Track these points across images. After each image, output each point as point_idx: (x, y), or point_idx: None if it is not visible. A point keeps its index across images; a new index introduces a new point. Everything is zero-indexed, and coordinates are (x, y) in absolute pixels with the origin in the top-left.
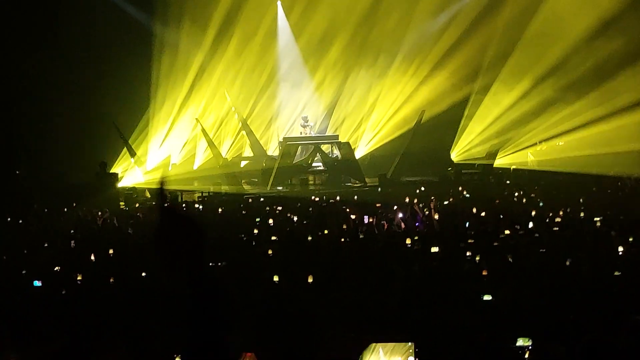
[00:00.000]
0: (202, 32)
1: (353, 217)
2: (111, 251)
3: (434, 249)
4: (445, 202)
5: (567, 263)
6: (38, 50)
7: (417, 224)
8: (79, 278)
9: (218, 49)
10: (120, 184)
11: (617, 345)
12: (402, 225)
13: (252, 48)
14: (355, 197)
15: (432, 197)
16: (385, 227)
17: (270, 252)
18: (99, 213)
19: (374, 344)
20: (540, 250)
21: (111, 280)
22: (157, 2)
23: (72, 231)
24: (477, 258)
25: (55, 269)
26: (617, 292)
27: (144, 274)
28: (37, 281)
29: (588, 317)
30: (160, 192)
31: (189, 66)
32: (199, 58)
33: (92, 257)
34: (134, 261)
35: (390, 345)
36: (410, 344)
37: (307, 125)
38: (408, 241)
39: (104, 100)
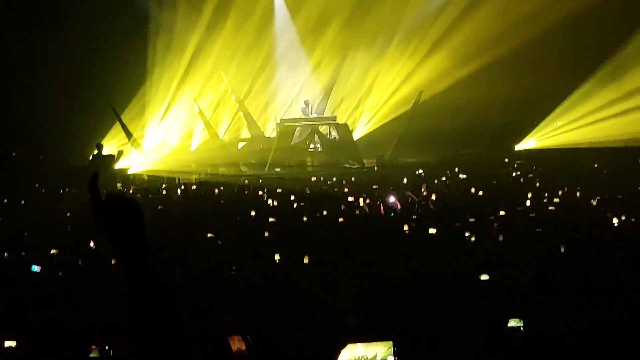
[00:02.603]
0: (199, 12)
1: (351, 199)
2: None
3: (432, 231)
4: (442, 180)
5: (564, 245)
6: (33, 32)
7: (395, 206)
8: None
9: (214, 29)
10: (116, 166)
11: (613, 326)
12: (398, 206)
13: (249, 28)
14: (353, 178)
15: (425, 180)
16: (382, 208)
17: (267, 234)
18: None
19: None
20: (537, 230)
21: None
22: None
23: (68, 214)
24: (473, 238)
25: (52, 252)
26: (612, 273)
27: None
28: (35, 266)
29: (584, 298)
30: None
31: (185, 47)
32: (195, 39)
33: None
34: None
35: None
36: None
37: (308, 110)
38: (406, 228)
39: (100, 81)
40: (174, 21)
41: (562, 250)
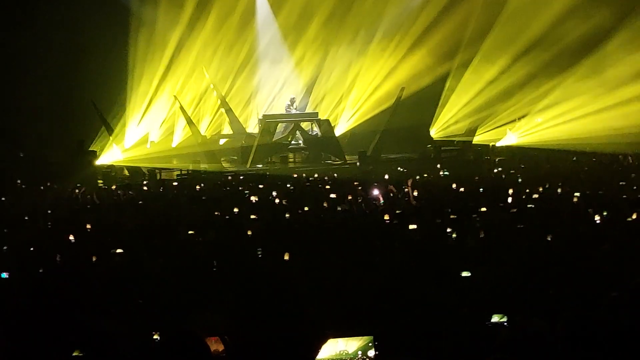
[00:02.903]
0: (180, 8)
1: (333, 195)
2: (89, 226)
3: (412, 226)
4: (424, 177)
5: (548, 238)
6: (12, 27)
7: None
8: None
9: (196, 25)
10: (98, 162)
11: (595, 321)
12: (381, 200)
13: (231, 25)
14: (335, 174)
15: (409, 175)
16: (364, 204)
17: (249, 232)
18: (76, 190)
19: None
20: (518, 226)
21: (94, 259)
22: None
23: (49, 211)
24: (454, 235)
25: (31, 249)
26: (593, 267)
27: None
28: (4, 273)
29: (565, 293)
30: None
31: (167, 43)
32: (176, 35)
33: (71, 237)
34: (112, 239)
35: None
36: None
37: (294, 108)
38: (386, 217)
39: (81, 77)
40: (155, 17)
41: (549, 238)
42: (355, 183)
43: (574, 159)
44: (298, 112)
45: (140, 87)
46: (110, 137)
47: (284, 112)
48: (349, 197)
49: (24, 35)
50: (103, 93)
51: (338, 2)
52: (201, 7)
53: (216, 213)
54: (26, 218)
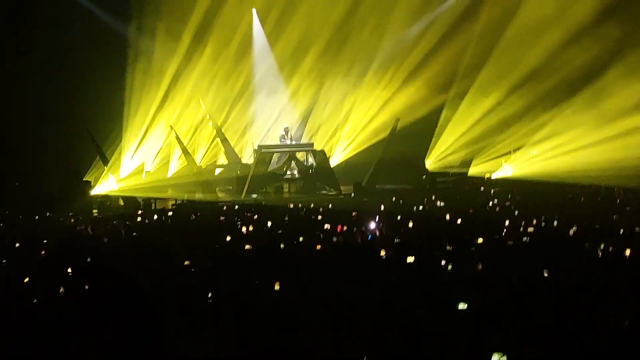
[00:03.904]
0: (177, 39)
1: (327, 226)
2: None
3: (410, 259)
4: (419, 209)
5: (545, 274)
6: (9, 56)
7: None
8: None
9: (193, 56)
10: (93, 192)
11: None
12: (377, 232)
13: (227, 56)
14: (330, 205)
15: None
16: (359, 235)
17: (243, 261)
18: (72, 220)
19: None
20: (514, 258)
21: (86, 287)
22: (132, 9)
23: (44, 240)
24: (450, 267)
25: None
26: (592, 301)
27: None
28: None
29: (563, 326)
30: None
31: (163, 73)
32: (173, 65)
33: (69, 269)
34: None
35: None
36: None
37: (288, 138)
38: (382, 253)
39: (77, 106)
40: (153, 48)
41: (545, 274)
42: (353, 214)
43: (569, 196)
44: (292, 142)
45: (137, 116)
46: (106, 167)
47: (278, 142)
48: (344, 228)
49: (20, 64)
50: (99, 122)
51: (334, 34)
52: (198, 38)
53: (211, 242)
54: (17, 245)
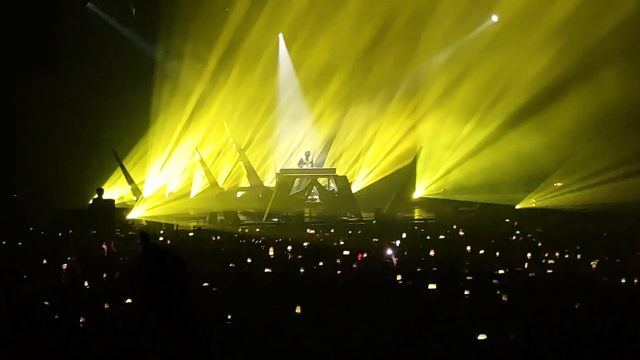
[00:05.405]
0: (204, 62)
1: (347, 252)
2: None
3: (432, 286)
4: (441, 237)
5: (576, 306)
6: (38, 75)
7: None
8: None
9: (218, 79)
10: (116, 211)
11: None
12: (395, 261)
13: (253, 79)
14: (350, 231)
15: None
16: (379, 263)
17: (263, 283)
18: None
19: None
20: (536, 291)
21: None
22: (160, 32)
23: (68, 258)
24: (469, 296)
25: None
26: (613, 337)
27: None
28: None
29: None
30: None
31: (189, 95)
32: (199, 88)
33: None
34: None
35: None
36: None
37: (308, 162)
38: (399, 277)
39: (103, 126)
40: (179, 70)
41: (577, 306)
42: (375, 240)
43: (591, 228)
44: (314, 167)
45: (162, 138)
46: (130, 186)
47: (297, 166)
48: (364, 255)
49: (47, 83)
50: (125, 142)
51: (359, 61)
52: (224, 61)
53: (231, 265)
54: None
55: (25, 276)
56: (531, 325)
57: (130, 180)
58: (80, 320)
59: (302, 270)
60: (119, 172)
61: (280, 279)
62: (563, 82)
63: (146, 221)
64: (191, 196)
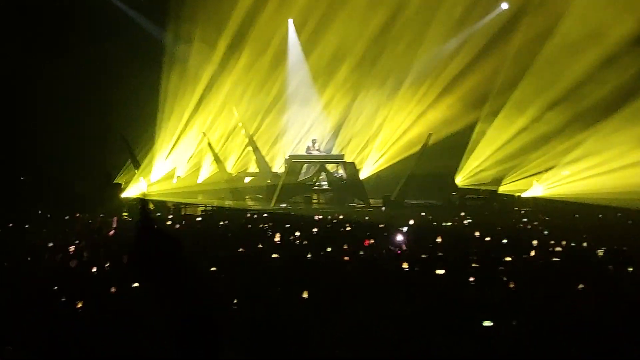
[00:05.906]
0: (213, 47)
1: (355, 238)
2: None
3: (440, 272)
4: (448, 224)
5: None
6: (48, 59)
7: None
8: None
9: (228, 64)
10: (124, 194)
11: None
12: (404, 247)
13: (262, 65)
14: (358, 217)
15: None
16: (384, 250)
17: (269, 268)
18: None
19: None
20: (542, 278)
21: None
22: (169, 16)
23: (76, 241)
24: (475, 283)
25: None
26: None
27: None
28: None
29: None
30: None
31: (198, 80)
32: (208, 73)
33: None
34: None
35: None
36: None
37: (315, 149)
38: (405, 265)
39: (111, 110)
40: (188, 54)
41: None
42: (381, 226)
43: (599, 215)
44: (322, 153)
45: (170, 122)
46: (137, 171)
47: (304, 152)
48: (372, 241)
49: (57, 67)
50: (133, 126)
51: (369, 46)
52: (234, 46)
53: (239, 250)
54: (50, 245)
55: (29, 258)
56: (537, 312)
57: (137, 165)
58: (78, 305)
59: (308, 255)
60: (126, 156)
61: (288, 264)
62: (579, 65)
63: (153, 204)
64: (199, 181)
